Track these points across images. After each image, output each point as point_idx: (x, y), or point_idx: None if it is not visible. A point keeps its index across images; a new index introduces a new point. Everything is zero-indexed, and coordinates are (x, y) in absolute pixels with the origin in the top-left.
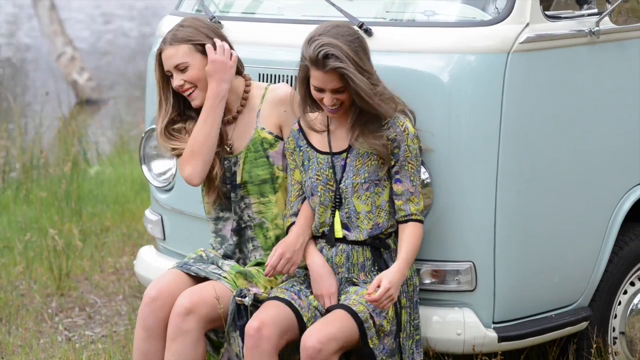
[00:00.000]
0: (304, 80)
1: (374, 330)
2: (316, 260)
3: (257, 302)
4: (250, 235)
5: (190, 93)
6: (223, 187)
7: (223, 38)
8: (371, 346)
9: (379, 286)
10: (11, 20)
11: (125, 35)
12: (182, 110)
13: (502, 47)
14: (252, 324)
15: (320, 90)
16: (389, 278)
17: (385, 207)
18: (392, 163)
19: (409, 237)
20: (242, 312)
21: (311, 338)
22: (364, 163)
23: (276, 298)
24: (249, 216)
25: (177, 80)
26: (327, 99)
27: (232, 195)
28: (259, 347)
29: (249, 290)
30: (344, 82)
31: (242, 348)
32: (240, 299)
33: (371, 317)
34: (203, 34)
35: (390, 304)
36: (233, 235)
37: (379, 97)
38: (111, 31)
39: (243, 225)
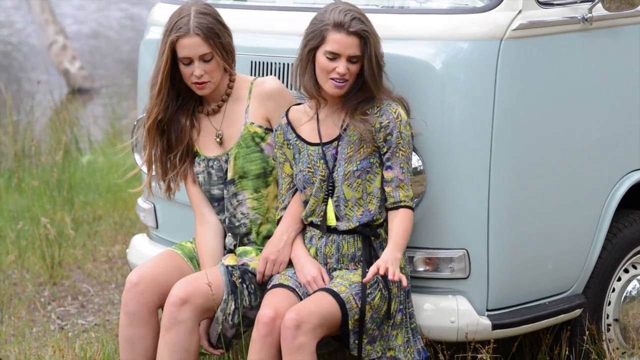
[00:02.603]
0: (311, 52)
1: (356, 312)
2: (297, 252)
3: (249, 272)
4: (245, 231)
5: (205, 83)
6: (213, 189)
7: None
8: (350, 328)
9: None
10: (15, 6)
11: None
12: (171, 104)
13: (495, 34)
14: (267, 312)
15: (335, 57)
16: (382, 258)
17: (377, 194)
18: (384, 150)
19: (399, 222)
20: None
21: (290, 314)
22: (356, 151)
23: (282, 285)
24: (242, 213)
25: (198, 70)
26: (341, 66)
27: (225, 192)
28: (272, 335)
29: (234, 267)
30: (360, 52)
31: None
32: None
33: (354, 299)
34: (223, 27)
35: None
36: (227, 231)
37: (382, 78)
38: (115, 18)
39: (237, 224)
